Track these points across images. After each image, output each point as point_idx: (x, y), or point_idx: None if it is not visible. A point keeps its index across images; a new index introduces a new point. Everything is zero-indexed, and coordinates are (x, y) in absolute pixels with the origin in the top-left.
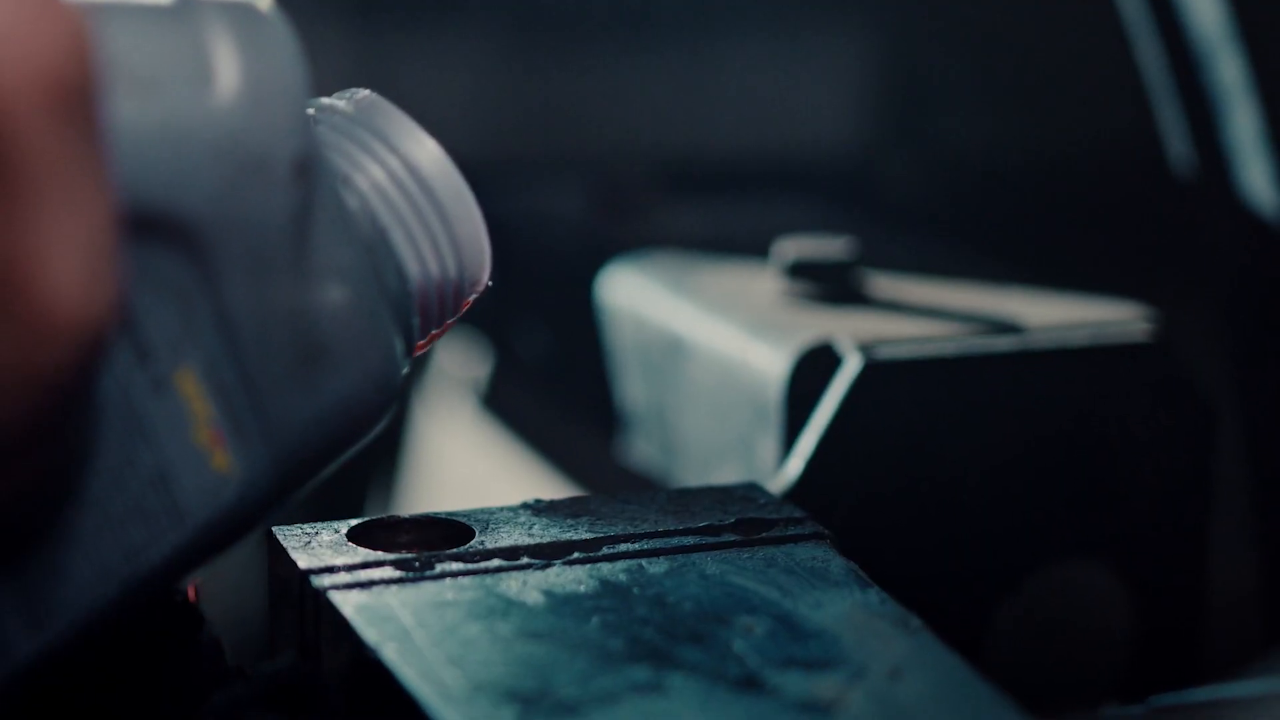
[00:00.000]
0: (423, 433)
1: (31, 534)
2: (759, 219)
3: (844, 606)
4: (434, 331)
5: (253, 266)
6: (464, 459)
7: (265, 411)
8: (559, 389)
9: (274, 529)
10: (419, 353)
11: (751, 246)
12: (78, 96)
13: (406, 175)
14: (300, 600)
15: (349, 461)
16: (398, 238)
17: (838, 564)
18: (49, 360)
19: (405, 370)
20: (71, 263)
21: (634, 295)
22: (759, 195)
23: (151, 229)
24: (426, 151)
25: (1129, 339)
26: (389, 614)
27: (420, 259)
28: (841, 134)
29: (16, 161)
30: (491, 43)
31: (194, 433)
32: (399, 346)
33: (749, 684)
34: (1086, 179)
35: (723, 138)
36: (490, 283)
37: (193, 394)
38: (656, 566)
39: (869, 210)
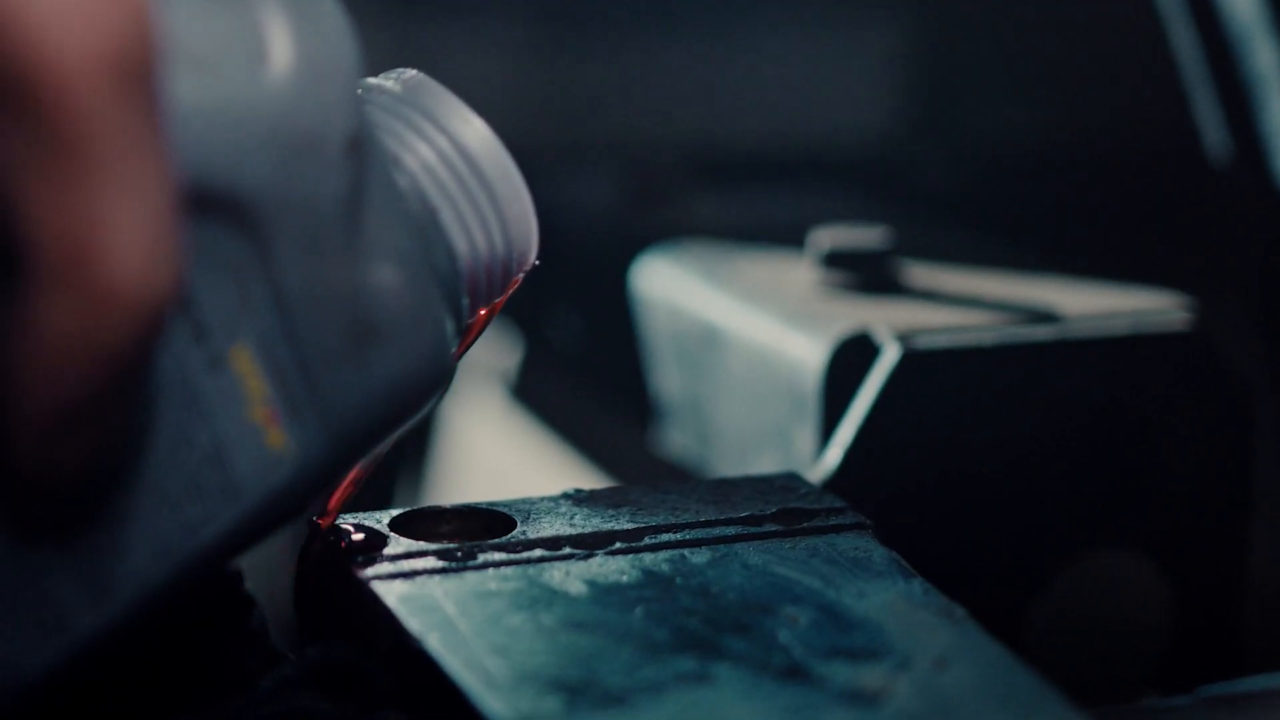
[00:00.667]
0: (453, 423)
1: (90, 509)
2: (792, 208)
3: (887, 596)
4: (483, 310)
5: (306, 244)
6: (494, 449)
7: (319, 389)
8: (592, 379)
9: (316, 519)
10: (470, 332)
11: (785, 236)
12: (139, 74)
13: (455, 155)
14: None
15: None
16: (447, 217)
17: (880, 554)
18: (111, 334)
19: (455, 349)
20: (134, 238)
21: (668, 285)
22: (792, 184)
23: (207, 207)
24: (474, 131)
25: (1167, 328)
26: (433, 604)
27: (469, 238)
28: (874, 122)
29: (80, 138)
30: (523, 32)
31: (249, 410)
32: (450, 325)
33: (794, 674)
34: (1121, 167)
35: (755, 126)
36: (536, 262)
37: (247, 371)
38: (699, 557)
39: (903, 199)
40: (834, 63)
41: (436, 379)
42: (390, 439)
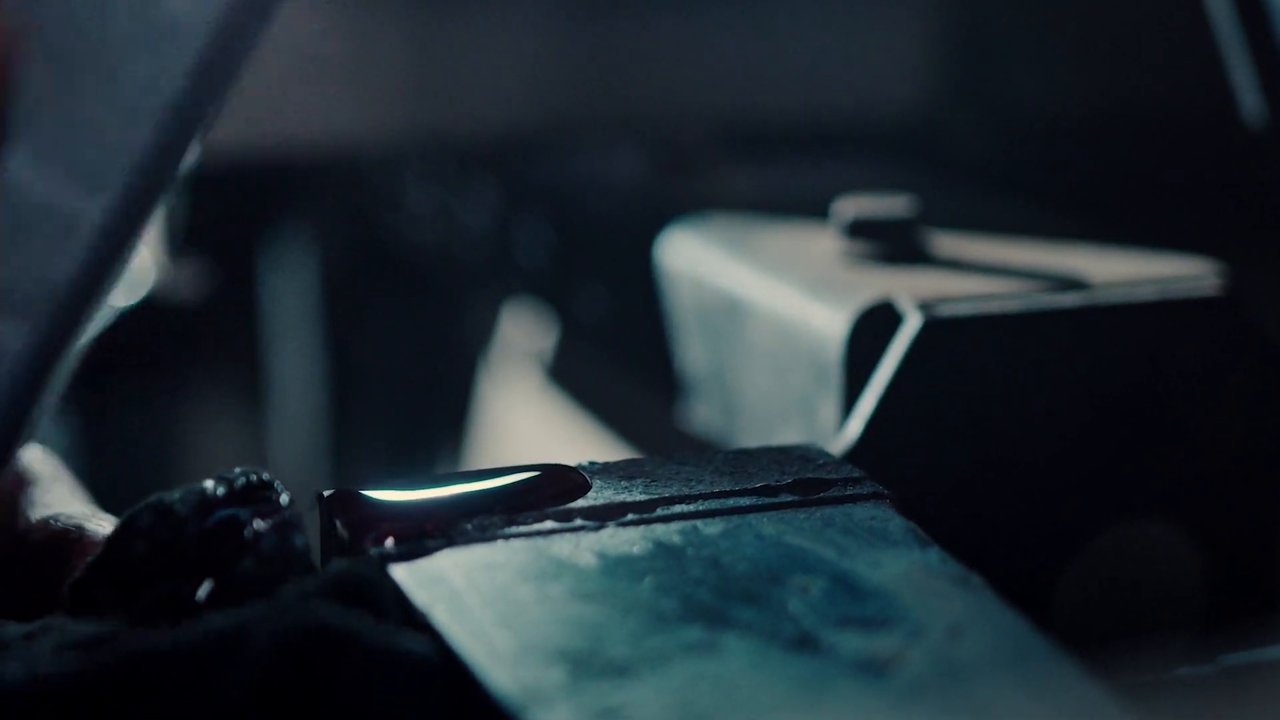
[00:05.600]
0: (488, 401)
1: (47, 103)
2: (818, 179)
3: (903, 566)
4: None
5: None
6: (528, 426)
7: None
8: (619, 353)
9: (325, 492)
10: None
11: (811, 207)
12: None
13: None
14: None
15: (418, 428)
16: None
17: (897, 523)
18: None
19: None
20: None
21: (693, 257)
22: (819, 155)
23: None
24: None
25: (1198, 293)
26: (440, 576)
27: None
28: (903, 91)
29: None
30: (551, 5)
31: None
32: None
33: (804, 643)
34: (1153, 132)
35: (782, 97)
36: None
37: None
38: (711, 527)
39: (931, 168)
40: (864, 32)
41: None
42: None
